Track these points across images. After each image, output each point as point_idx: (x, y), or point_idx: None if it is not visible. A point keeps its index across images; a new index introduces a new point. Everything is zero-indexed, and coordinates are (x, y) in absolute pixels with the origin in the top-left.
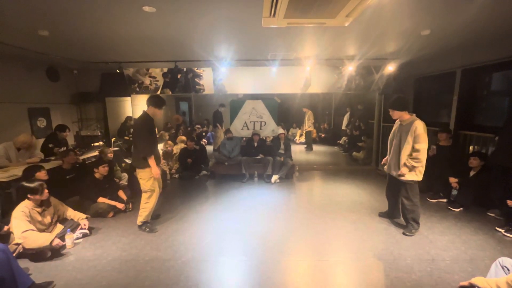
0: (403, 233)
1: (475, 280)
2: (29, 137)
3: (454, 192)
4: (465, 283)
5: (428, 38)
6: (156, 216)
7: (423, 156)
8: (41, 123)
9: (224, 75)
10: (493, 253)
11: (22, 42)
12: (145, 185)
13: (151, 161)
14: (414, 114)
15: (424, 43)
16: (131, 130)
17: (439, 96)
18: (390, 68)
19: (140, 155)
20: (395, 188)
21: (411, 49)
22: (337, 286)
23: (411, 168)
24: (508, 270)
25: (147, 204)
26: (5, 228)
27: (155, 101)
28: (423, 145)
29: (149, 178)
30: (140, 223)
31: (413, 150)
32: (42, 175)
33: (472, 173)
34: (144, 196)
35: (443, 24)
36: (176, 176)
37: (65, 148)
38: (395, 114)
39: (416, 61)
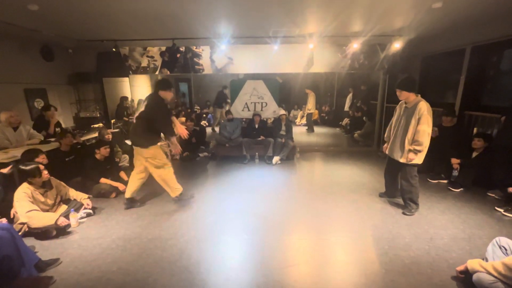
0: (403, 213)
1: (470, 263)
2: (10, 112)
3: (455, 173)
4: (461, 267)
5: (440, 12)
6: (192, 196)
7: (423, 138)
8: (39, 104)
9: (224, 53)
10: (491, 232)
11: (11, 18)
12: (161, 160)
13: (174, 139)
14: (419, 95)
15: (434, 17)
16: (143, 109)
17: (446, 76)
18: (397, 45)
19: (166, 135)
20: (393, 169)
21: (420, 24)
22: (336, 263)
23: (416, 153)
24: (506, 249)
25: (170, 175)
26: (12, 212)
27: (162, 84)
28: (424, 126)
29: (158, 153)
30: (176, 196)
31: (414, 132)
32: (41, 159)
33: (474, 154)
34: (164, 171)
35: None
36: (177, 157)
37: (59, 129)
38: (402, 94)
39: (424, 38)
